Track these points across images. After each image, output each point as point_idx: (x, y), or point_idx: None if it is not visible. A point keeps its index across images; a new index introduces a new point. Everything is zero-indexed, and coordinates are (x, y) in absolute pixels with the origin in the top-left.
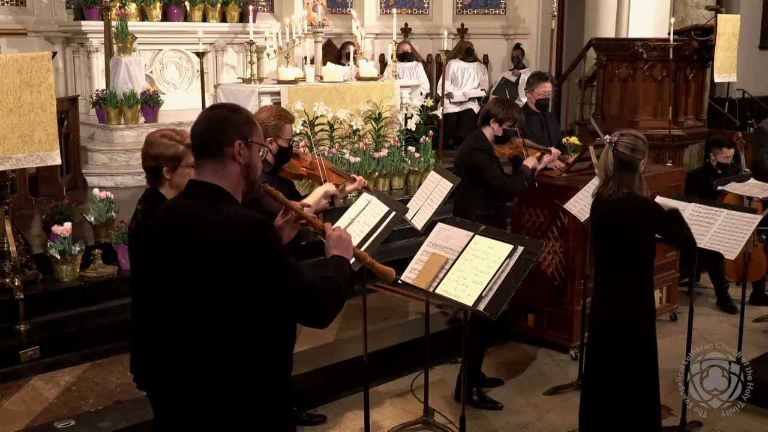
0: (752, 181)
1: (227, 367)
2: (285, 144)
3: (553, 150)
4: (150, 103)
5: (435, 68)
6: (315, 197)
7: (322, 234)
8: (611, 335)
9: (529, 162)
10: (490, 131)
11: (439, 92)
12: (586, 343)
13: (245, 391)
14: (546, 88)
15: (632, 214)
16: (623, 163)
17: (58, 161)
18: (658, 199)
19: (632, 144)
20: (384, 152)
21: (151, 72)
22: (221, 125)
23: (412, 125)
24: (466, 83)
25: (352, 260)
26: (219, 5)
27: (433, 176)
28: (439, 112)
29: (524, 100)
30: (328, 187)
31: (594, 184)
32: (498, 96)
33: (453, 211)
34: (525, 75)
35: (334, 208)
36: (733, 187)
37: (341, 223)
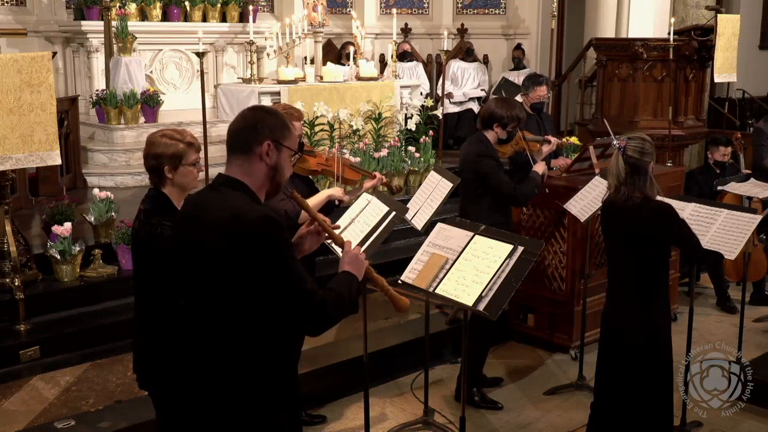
0: (752, 181)
1: (232, 367)
2: None
3: (552, 139)
4: (150, 103)
5: (435, 68)
6: (317, 200)
7: (341, 248)
8: (628, 337)
9: (539, 168)
10: (493, 135)
11: (439, 92)
12: (599, 343)
13: (250, 390)
14: (541, 92)
15: (648, 219)
16: (634, 168)
17: (58, 161)
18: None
19: (640, 147)
20: (384, 152)
21: (151, 72)
22: (255, 124)
23: (412, 125)
24: (466, 83)
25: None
26: (219, 5)
27: (433, 176)
28: (439, 112)
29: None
30: (333, 191)
31: (594, 184)
32: (498, 96)
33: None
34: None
35: (334, 209)
36: (733, 187)
37: (341, 223)
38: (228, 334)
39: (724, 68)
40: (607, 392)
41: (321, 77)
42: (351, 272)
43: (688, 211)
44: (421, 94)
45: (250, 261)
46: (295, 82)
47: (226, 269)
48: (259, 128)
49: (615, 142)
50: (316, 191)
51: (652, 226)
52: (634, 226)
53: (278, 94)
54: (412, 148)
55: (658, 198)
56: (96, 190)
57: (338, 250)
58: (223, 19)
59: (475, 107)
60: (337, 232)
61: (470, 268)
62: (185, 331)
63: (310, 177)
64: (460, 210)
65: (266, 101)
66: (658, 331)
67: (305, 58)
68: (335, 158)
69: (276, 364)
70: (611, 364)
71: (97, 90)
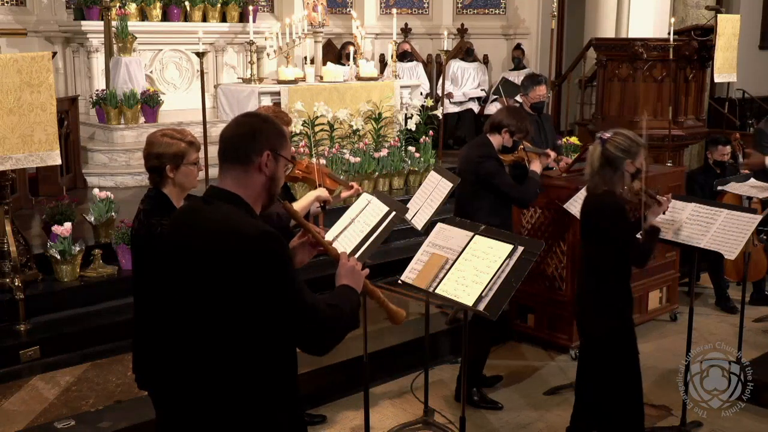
0: (752, 181)
1: (231, 369)
2: None
3: (551, 153)
4: (150, 103)
5: (435, 68)
6: (305, 201)
7: (336, 261)
8: (589, 333)
9: (536, 167)
10: (498, 139)
11: (439, 92)
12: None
13: (250, 393)
14: (541, 92)
15: (597, 212)
16: (608, 160)
17: (58, 161)
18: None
19: (621, 144)
20: (384, 152)
21: (151, 72)
22: (253, 134)
23: (412, 125)
24: (466, 83)
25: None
26: (219, 5)
27: (433, 176)
28: (439, 112)
29: (520, 101)
30: (320, 192)
31: None
32: (511, 106)
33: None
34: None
35: (334, 209)
36: (733, 187)
37: (341, 223)
38: (228, 343)
39: (724, 68)
40: (580, 389)
41: (321, 77)
42: (349, 285)
43: (688, 211)
44: (421, 94)
45: (251, 278)
46: (295, 82)
47: (226, 286)
48: (258, 138)
49: (599, 134)
50: (292, 198)
51: (597, 219)
52: (588, 216)
53: (278, 94)
54: (412, 148)
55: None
56: (96, 190)
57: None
58: (223, 19)
59: (475, 107)
60: (328, 239)
61: (470, 268)
62: (183, 333)
63: (287, 183)
64: (457, 211)
65: (266, 101)
66: (619, 325)
67: (305, 58)
68: (315, 167)
69: (275, 367)
70: (581, 360)
71: (97, 90)
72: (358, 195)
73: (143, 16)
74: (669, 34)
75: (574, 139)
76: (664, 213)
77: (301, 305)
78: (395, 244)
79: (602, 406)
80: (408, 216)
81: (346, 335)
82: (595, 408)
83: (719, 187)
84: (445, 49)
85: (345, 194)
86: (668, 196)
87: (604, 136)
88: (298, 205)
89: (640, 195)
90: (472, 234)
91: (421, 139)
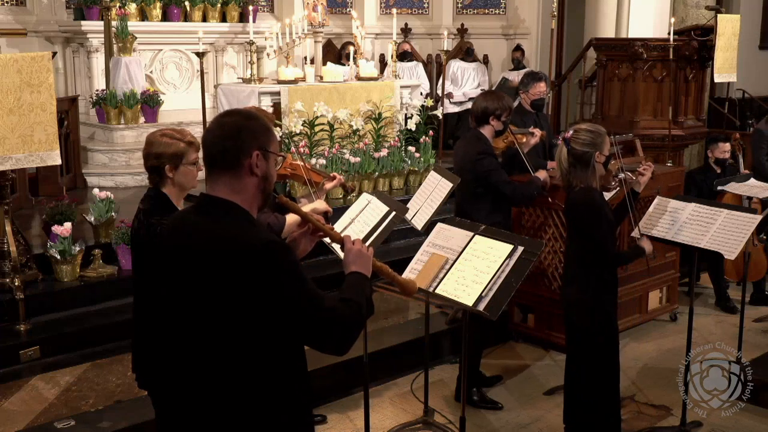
0: (752, 181)
1: (234, 370)
2: None
3: (536, 131)
4: (150, 103)
5: (435, 68)
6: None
7: (341, 247)
8: (573, 323)
9: (541, 174)
10: (489, 129)
11: (439, 92)
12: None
13: (254, 394)
14: (540, 89)
15: (572, 205)
16: (576, 158)
17: (58, 161)
18: (658, 200)
19: (583, 139)
20: (384, 152)
21: (151, 72)
22: (238, 134)
23: (412, 125)
24: (466, 83)
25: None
26: (219, 5)
27: (433, 176)
28: (439, 112)
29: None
30: (318, 204)
31: None
32: (484, 92)
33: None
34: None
35: (334, 209)
36: (733, 187)
37: (341, 223)
38: (231, 345)
39: (724, 68)
40: (565, 382)
41: (321, 77)
42: (359, 271)
43: (688, 211)
44: (421, 94)
45: (262, 291)
46: (295, 82)
47: (231, 292)
48: (244, 138)
49: (561, 135)
50: (294, 199)
51: (576, 215)
52: (568, 212)
53: (278, 94)
54: (412, 148)
55: (657, 199)
56: (96, 190)
57: (338, 249)
58: (223, 19)
59: None
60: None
61: (470, 268)
62: (185, 336)
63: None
64: (457, 210)
65: (266, 101)
66: (602, 319)
67: (305, 58)
68: (299, 163)
69: (282, 369)
70: (568, 354)
71: (97, 90)
72: (342, 184)
73: (143, 16)
74: (669, 34)
75: None
76: (653, 178)
77: (315, 310)
78: (395, 244)
79: (579, 396)
80: (408, 216)
81: (363, 327)
82: (570, 400)
83: (719, 187)
84: (445, 49)
85: (329, 185)
86: (649, 163)
87: (566, 136)
88: (294, 219)
89: (619, 175)
90: (472, 234)
91: (421, 139)
